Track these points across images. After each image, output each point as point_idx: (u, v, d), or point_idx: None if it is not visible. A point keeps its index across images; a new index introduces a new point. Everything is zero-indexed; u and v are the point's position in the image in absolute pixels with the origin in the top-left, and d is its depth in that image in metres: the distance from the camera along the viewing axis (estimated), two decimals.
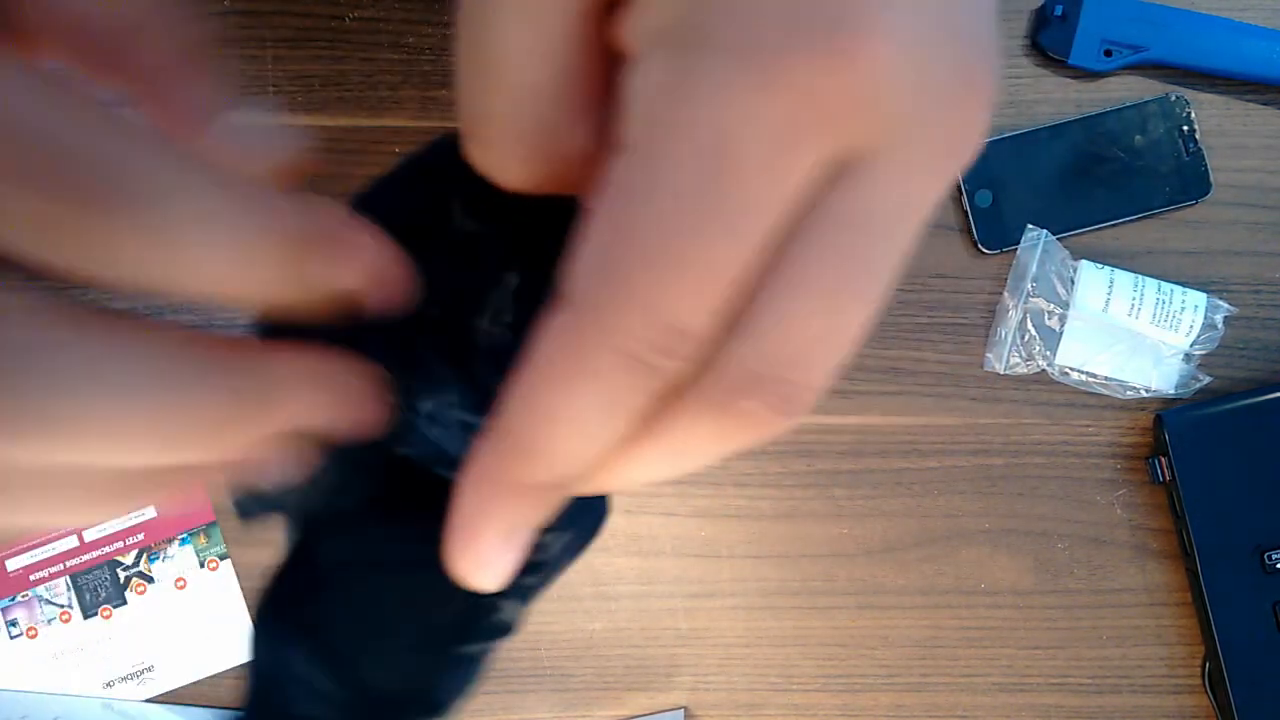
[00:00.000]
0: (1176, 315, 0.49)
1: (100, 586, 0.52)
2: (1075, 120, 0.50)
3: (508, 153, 0.16)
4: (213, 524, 0.52)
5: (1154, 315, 0.49)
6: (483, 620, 0.21)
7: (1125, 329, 0.49)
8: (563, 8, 0.14)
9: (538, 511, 0.16)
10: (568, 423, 0.15)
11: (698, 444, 0.16)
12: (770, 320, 0.14)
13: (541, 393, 0.15)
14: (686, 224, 0.14)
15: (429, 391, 0.18)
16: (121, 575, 0.52)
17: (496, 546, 0.16)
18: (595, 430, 0.15)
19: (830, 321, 0.15)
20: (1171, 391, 0.50)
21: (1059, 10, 0.49)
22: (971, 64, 0.15)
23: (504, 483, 0.16)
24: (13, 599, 0.51)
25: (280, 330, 0.17)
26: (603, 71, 0.15)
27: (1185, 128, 0.50)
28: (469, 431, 0.17)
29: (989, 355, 0.51)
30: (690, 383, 0.15)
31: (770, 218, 0.14)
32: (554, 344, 0.15)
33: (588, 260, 0.14)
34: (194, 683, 0.52)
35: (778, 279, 0.14)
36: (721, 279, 0.14)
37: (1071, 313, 0.50)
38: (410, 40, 0.51)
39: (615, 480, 0.16)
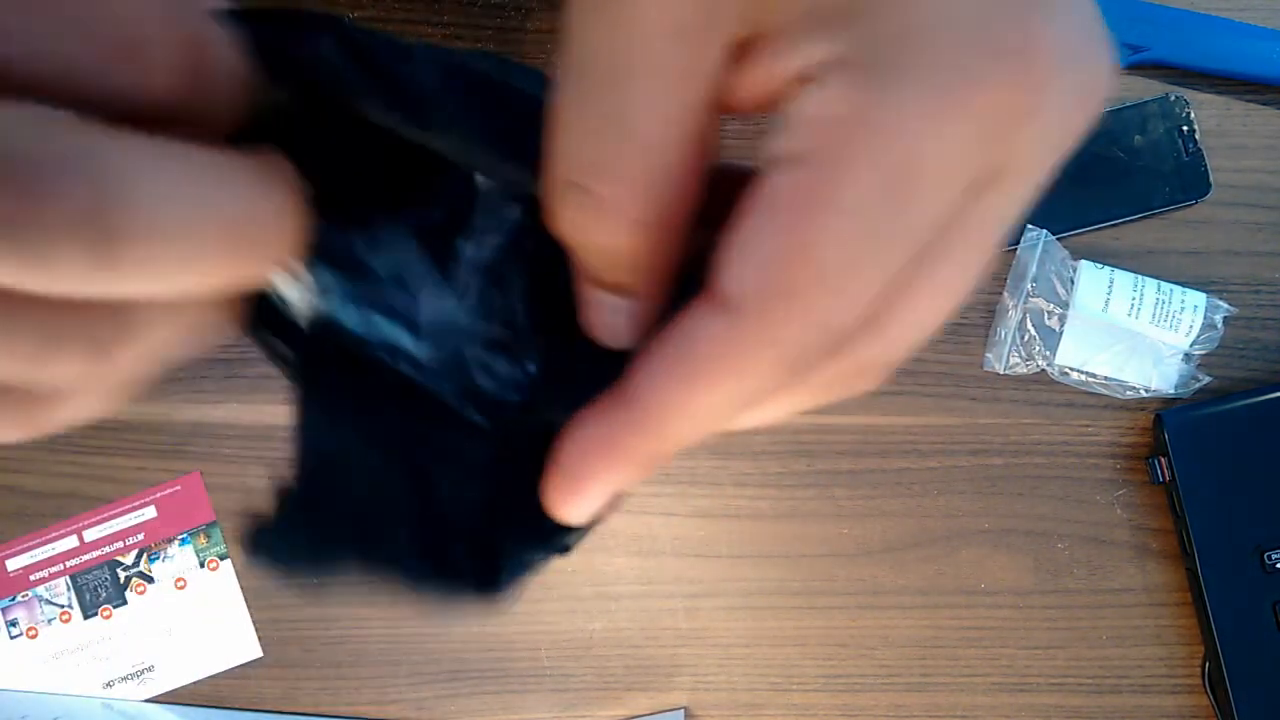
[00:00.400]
0: (1176, 315, 0.49)
1: (100, 586, 0.52)
2: None
3: (623, 212, 0.15)
4: (213, 524, 0.52)
5: (1154, 315, 0.49)
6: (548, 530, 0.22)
7: (1125, 329, 0.49)
8: (702, 72, 0.15)
9: (644, 475, 0.17)
10: (708, 410, 0.16)
11: (798, 405, 0.17)
12: (900, 321, 0.16)
13: (690, 386, 0.15)
14: (864, 240, 0.14)
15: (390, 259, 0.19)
16: (121, 575, 0.52)
17: (598, 497, 0.17)
18: (728, 416, 0.16)
19: (939, 315, 0.16)
20: (1171, 391, 0.50)
21: None
22: (1099, 78, 0.15)
23: (626, 450, 0.16)
24: (13, 599, 0.51)
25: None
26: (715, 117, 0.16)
27: (1185, 128, 0.50)
28: (414, 332, 0.19)
29: (989, 355, 0.51)
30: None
31: (934, 231, 0.15)
32: (712, 343, 0.15)
33: (753, 265, 0.15)
34: (194, 683, 0.52)
35: (913, 282, 0.15)
36: (880, 286, 0.15)
37: (1071, 313, 0.50)
38: (410, 40, 0.51)
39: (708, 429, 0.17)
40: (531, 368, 0.20)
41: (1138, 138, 0.50)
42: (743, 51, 0.15)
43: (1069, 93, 0.15)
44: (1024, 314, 0.50)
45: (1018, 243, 0.50)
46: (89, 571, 0.52)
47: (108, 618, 0.52)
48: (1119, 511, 0.51)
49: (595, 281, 0.17)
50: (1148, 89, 0.50)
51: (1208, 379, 0.50)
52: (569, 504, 0.18)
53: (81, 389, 0.16)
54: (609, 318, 0.17)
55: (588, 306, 0.17)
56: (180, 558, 0.52)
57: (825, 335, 0.15)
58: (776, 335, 0.15)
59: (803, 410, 0.17)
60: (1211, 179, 0.50)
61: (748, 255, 0.15)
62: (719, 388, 0.15)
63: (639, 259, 0.16)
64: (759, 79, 0.15)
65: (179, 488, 0.51)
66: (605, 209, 0.15)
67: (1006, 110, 0.14)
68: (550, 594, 0.52)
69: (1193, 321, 0.49)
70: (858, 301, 0.15)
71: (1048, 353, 0.50)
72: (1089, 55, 0.15)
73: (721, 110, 0.16)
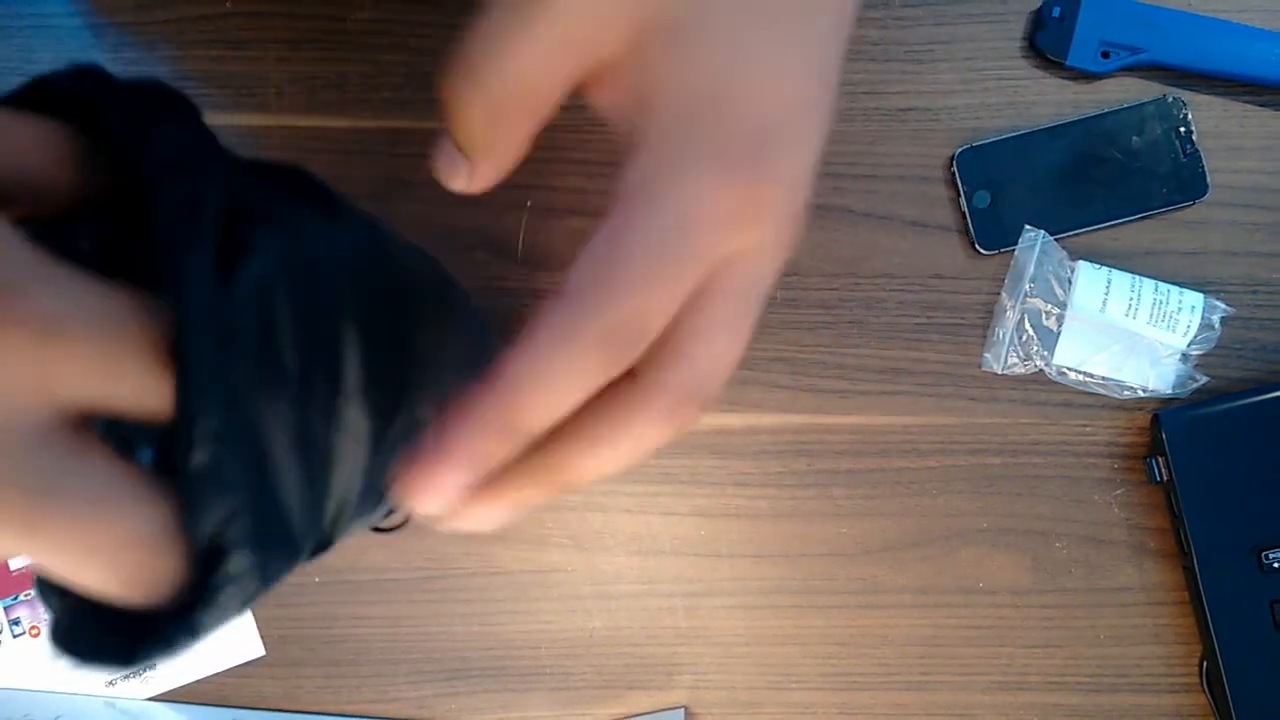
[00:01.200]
0: (1174, 315, 0.49)
1: None
2: (1073, 121, 0.50)
3: (484, 110, 0.23)
4: None
5: (1151, 315, 0.49)
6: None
7: (1122, 329, 0.50)
8: (577, 58, 0.22)
9: (501, 452, 0.21)
10: (549, 377, 0.20)
11: (648, 437, 0.22)
12: (697, 352, 0.22)
13: (535, 354, 0.21)
14: (661, 260, 0.21)
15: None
16: None
17: (456, 478, 0.21)
18: (567, 390, 0.21)
19: (730, 352, 0.23)
20: (1169, 391, 0.50)
21: (1056, 12, 0.49)
22: (798, 203, 0.23)
23: (487, 421, 0.21)
24: (15, 598, 0.52)
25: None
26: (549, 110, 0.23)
27: (1182, 129, 0.50)
28: None
29: (987, 355, 0.51)
30: (630, 390, 0.22)
31: (706, 268, 0.21)
32: (551, 321, 0.21)
33: (586, 267, 0.21)
34: (196, 681, 0.52)
35: (699, 320, 0.22)
36: (673, 301, 0.21)
37: (1069, 313, 0.50)
38: (413, 42, 0.51)
39: (595, 465, 0.22)
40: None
41: (1135, 139, 0.50)
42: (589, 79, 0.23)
43: (790, 206, 0.22)
44: (1022, 314, 0.50)
45: (1016, 243, 0.50)
46: None
47: None
48: (1117, 511, 0.51)
49: (453, 140, 0.24)
50: (1146, 90, 0.51)
51: (1205, 379, 0.50)
52: (425, 487, 0.21)
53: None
54: (449, 164, 0.24)
55: (441, 153, 0.24)
56: None
57: (637, 327, 0.21)
58: (599, 315, 0.20)
59: (661, 442, 0.23)
60: (1209, 180, 0.50)
61: (582, 262, 0.21)
62: (557, 353, 0.20)
63: (482, 135, 0.23)
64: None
65: None
66: (474, 106, 0.22)
67: (741, 207, 0.21)
68: (550, 593, 0.52)
69: (1190, 322, 0.49)
70: (660, 307, 0.21)
71: (1045, 353, 0.50)
72: (791, 212, 0.23)
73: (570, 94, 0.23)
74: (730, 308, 0.22)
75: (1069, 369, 0.50)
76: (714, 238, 0.21)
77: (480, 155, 0.24)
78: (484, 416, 0.21)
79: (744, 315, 0.23)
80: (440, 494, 0.21)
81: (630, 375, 0.22)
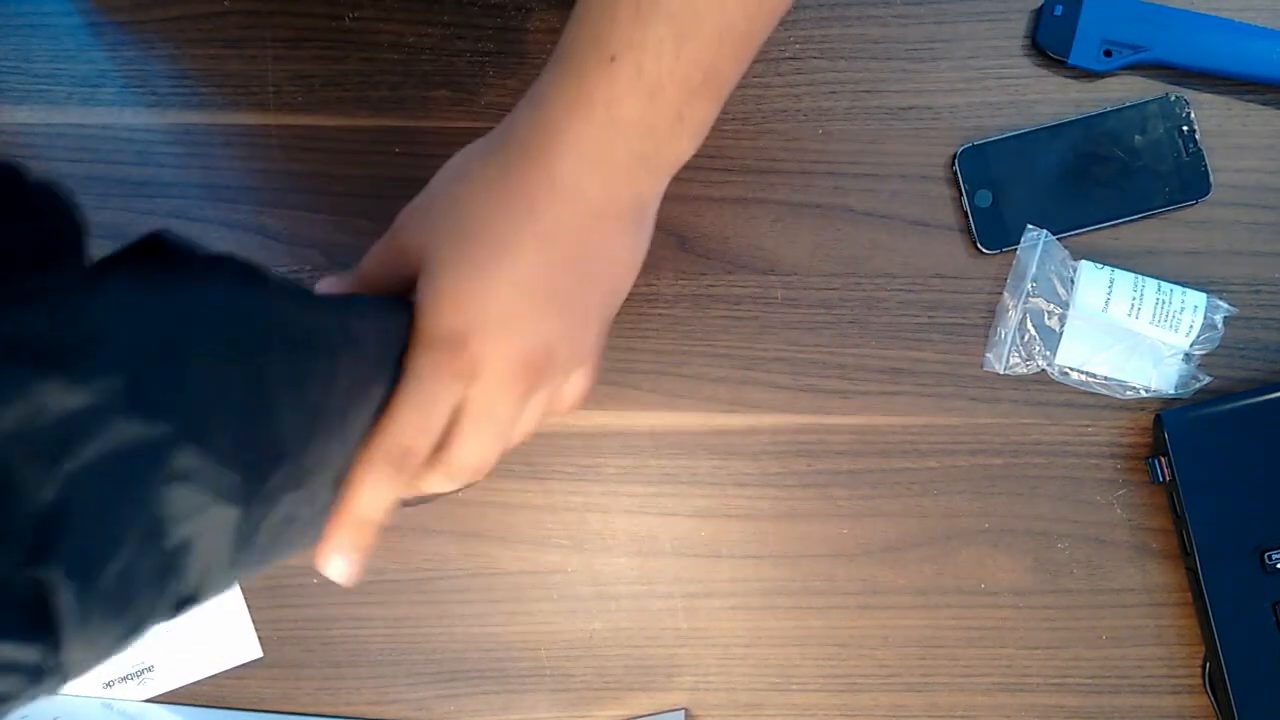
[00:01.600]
0: (1176, 315, 0.49)
1: None
2: (1075, 120, 0.50)
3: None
4: None
5: (1154, 315, 0.49)
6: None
7: (1125, 329, 0.49)
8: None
9: (364, 536, 0.33)
10: (371, 486, 0.32)
11: (437, 486, 0.35)
12: (455, 457, 0.34)
13: (361, 473, 0.32)
14: (413, 409, 0.33)
15: None
16: None
17: (344, 551, 0.33)
18: (383, 492, 0.33)
19: (482, 449, 0.34)
20: (1171, 391, 0.50)
21: (1059, 10, 0.49)
22: (510, 362, 0.34)
23: (344, 518, 0.33)
24: None
25: None
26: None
27: (1185, 128, 0.50)
28: None
29: (988, 355, 0.51)
30: (421, 477, 0.34)
31: (449, 408, 0.33)
32: (366, 451, 0.32)
33: (385, 420, 0.33)
34: (194, 683, 0.52)
35: (455, 435, 0.34)
36: (432, 431, 0.33)
37: (1071, 313, 0.50)
38: (411, 40, 0.51)
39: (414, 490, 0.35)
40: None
41: (1138, 138, 0.50)
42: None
43: (500, 376, 0.33)
44: (1024, 314, 0.50)
45: (1018, 243, 0.50)
46: None
47: None
48: (1119, 511, 0.51)
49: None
50: (1148, 89, 0.50)
51: (1208, 379, 0.50)
52: (326, 554, 0.33)
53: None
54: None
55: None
56: None
57: (409, 451, 0.33)
58: (388, 444, 0.32)
59: (446, 488, 0.36)
60: (1211, 179, 0.50)
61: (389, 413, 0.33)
62: (370, 473, 0.32)
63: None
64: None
65: None
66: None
67: (457, 371, 0.33)
68: (550, 594, 0.52)
69: (1193, 321, 0.49)
70: (423, 435, 0.33)
71: (1048, 353, 0.50)
72: (504, 368, 0.34)
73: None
74: (473, 425, 0.34)
75: (1071, 369, 0.50)
76: (438, 389, 0.33)
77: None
78: (342, 514, 0.32)
79: (479, 446, 0.34)
80: (337, 562, 0.34)
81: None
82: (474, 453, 0.34)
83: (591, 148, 0.32)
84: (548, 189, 0.32)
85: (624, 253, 0.35)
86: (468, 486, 0.36)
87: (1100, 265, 0.50)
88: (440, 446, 0.34)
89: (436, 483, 0.35)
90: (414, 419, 0.32)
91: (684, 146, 0.33)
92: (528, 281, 0.33)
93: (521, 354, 0.33)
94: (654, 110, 0.31)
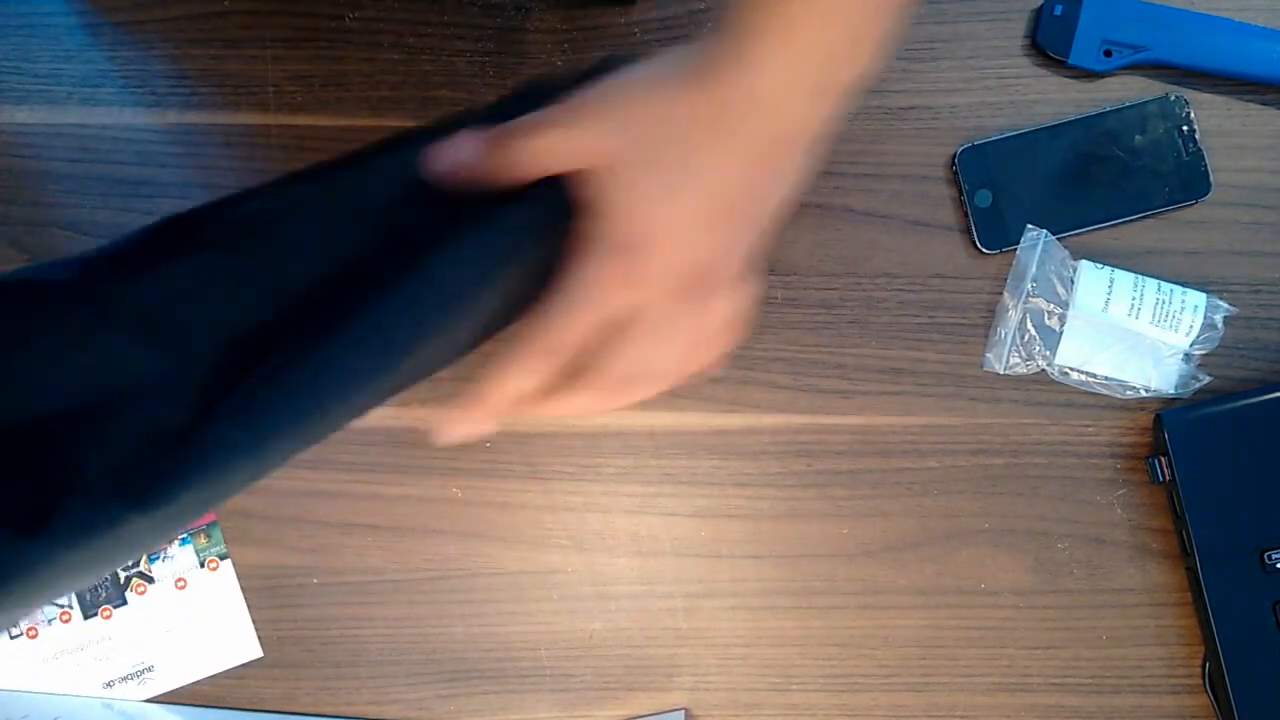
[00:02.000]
0: (1176, 315, 0.49)
1: (100, 586, 0.52)
2: (1075, 120, 0.50)
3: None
4: (213, 524, 0.52)
5: (1154, 315, 0.49)
6: None
7: (1125, 329, 0.49)
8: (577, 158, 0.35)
9: (490, 412, 0.36)
10: (514, 373, 0.35)
11: (591, 404, 0.36)
12: (619, 355, 0.34)
13: (505, 359, 0.35)
14: (565, 306, 0.34)
15: None
16: (122, 575, 0.52)
17: (465, 428, 0.38)
18: (524, 379, 0.35)
19: (640, 362, 0.35)
20: (1171, 391, 0.50)
21: (1059, 10, 0.49)
22: (674, 277, 0.34)
23: (480, 401, 0.36)
24: None
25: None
26: None
27: (1185, 128, 0.50)
28: None
29: (989, 355, 0.51)
30: (567, 377, 0.35)
31: (599, 311, 0.34)
32: (518, 336, 0.35)
33: (545, 305, 0.34)
34: (194, 683, 0.52)
35: (619, 341, 0.34)
36: (585, 333, 0.34)
37: (1071, 313, 0.50)
38: (411, 40, 0.51)
39: (556, 409, 0.37)
40: None
41: (1138, 138, 0.50)
42: None
43: (663, 288, 0.34)
44: (1024, 314, 0.50)
45: (1018, 243, 0.50)
46: None
47: (108, 618, 0.52)
48: (1119, 511, 0.51)
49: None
50: (1148, 89, 0.50)
51: (1208, 379, 0.50)
52: (449, 426, 0.38)
53: None
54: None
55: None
56: (180, 557, 0.52)
57: (561, 344, 0.34)
58: (541, 334, 0.34)
59: (593, 410, 0.37)
60: (1212, 179, 0.50)
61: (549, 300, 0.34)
62: (517, 358, 0.34)
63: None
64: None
65: None
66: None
67: (617, 279, 0.33)
68: (550, 594, 0.52)
69: (1193, 321, 0.49)
70: (574, 331, 0.34)
71: (1048, 353, 0.50)
72: (667, 284, 0.34)
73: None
74: (640, 332, 0.34)
75: (1071, 369, 0.50)
76: (603, 295, 0.34)
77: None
78: (477, 396, 0.36)
79: (653, 337, 0.34)
80: (455, 434, 0.38)
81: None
82: (638, 362, 0.35)
83: (786, 71, 0.32)
84: (749, 108, 0.32)
85: (795, 174, 0.35)
86: (609, 409, 0.37)
87: (1100, 265, 0.50)
88: (587, 368, 0.35)
89: (584, 400, 0.36)
90: (572, 319, 0.34)
91: (859, 69, 0.34)
92: (713, 195, 0.33)
93: (691, 266, 0.34)
94: (832, 34, 0.32)
